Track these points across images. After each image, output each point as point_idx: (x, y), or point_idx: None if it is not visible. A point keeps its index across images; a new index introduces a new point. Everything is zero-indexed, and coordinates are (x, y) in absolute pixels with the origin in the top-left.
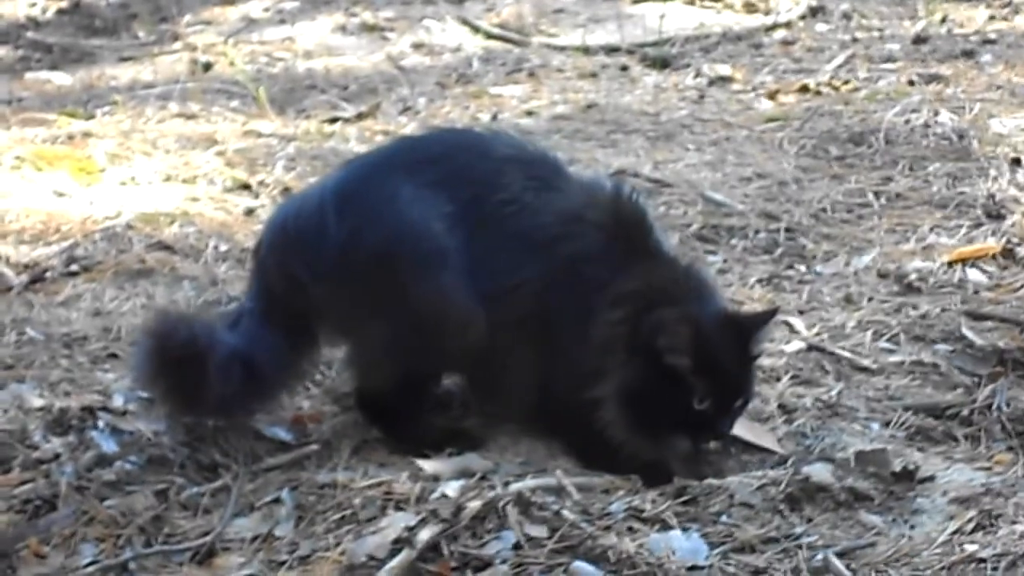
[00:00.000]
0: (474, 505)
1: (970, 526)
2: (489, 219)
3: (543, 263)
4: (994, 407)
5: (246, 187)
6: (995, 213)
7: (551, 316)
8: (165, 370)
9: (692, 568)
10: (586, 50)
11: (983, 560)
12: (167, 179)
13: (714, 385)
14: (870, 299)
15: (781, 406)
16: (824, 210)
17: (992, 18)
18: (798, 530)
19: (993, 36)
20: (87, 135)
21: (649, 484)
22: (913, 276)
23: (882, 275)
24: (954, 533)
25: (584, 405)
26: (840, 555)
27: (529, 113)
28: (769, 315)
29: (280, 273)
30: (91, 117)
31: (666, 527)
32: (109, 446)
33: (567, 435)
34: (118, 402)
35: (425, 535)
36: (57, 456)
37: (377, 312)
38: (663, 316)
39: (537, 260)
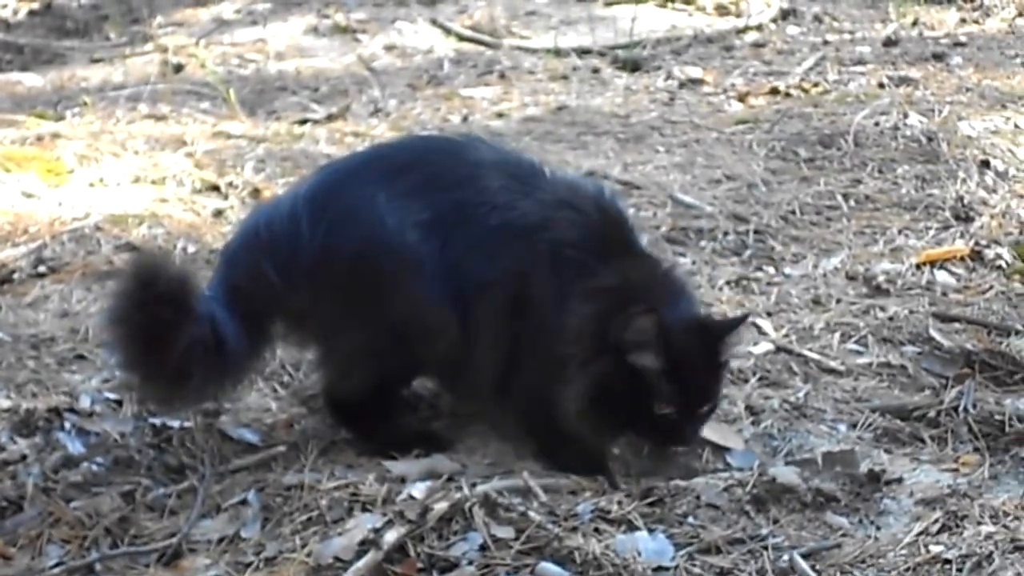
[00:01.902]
0: (441, 506)
1: (936, 527)
2: (466, 221)
3: (522, 251)
4: (961, 409)
5: (215, 188)
6: (963, 215)
7: (527, 303)
8: (141, 308)
9: (658, 569)
10: (557, 52)
11: (948, 561)
12: (136, 180)
13: (679, 390)
14: (838, 301)
15: (748, 407)
16: (793, 212)
17: (963, 21)
18: (764, 531)
19: (963, 39)
20: (56, 136)
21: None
22: (881, 278)
23: (850, 277)
24: (920, 534)
25: (548, 394)
26: (806, 556)
27: (500, 115)
28: (739, 321)
29: (250, 274)
30: (61, 118)
31: (632, 528)
32: (76, 447)
33: (529, 424)
34: (85, 403)
35: (391, 536)
36: (23, 457)
37: (349, 318)
38: (633, 314)
39: (516, 249)
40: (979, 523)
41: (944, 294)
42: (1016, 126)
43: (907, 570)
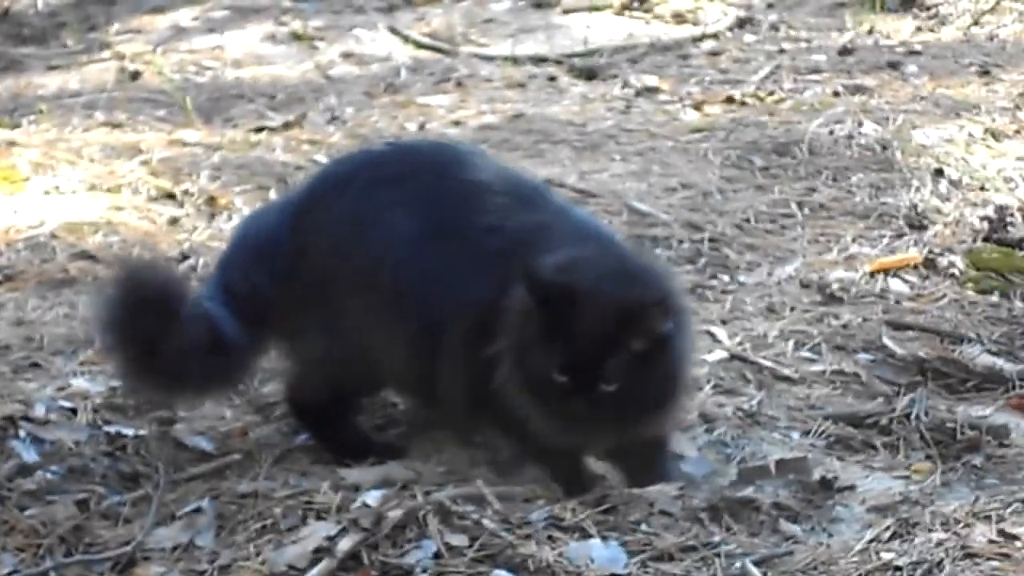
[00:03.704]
0: (395, 514)
1: (887, 534)
2: (450, 240)
3: (501, 273)
4: (913, 416)
5: (171, 196)
6: (917, 224)
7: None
8: (133, 314)
9: None
10: (514, 60)
11: (899, 568)
12: (91, 188)
13: (569, 360)
14: (792, 309)
15: (702, 415)
16: (747, 220)
17: (918, 29)
18: (716, 538)
19: (919, 48)
20: (11, 144)
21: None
22: (835, 286)
23: (804, 285)
24: (871, 541)
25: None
26: (758, 563)
27: (456, 123)
28: (649, 305)
29: (243, 279)
30: (16, 126)
31: (585, 535)
32: (30, 456)
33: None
34: (39, 411)
35: (346, 544)
36: None
37: (316, 326)
38: (529, 268)
39: (496, 271)
40: (930, 530)
41: (897, 302)
42: (970, 135)
43: None
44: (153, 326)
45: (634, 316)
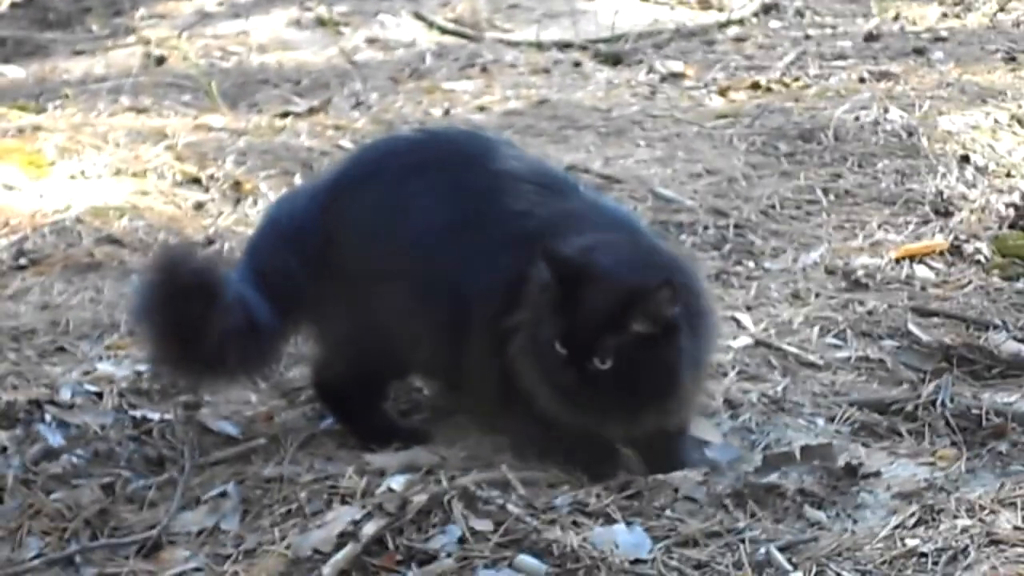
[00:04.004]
0: (420, 499)
1: (912, 520)
2: (479, 228)
3: (523, 259)
4: (938, 403)
5: (196, 181)
6: (943, 210)
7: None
8: (171, 300)
9: (635, 562)
10: (539, 46)
11: (924, 554)
12: (117, 173)
13: (568, 329)
14: (817, 295)
15: (727, 401)
16: (773, 207)
17: (944, 16)
18: (741, 524)
19: (944, 34)
20: (37, 129)
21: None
22: (860, 272)
23: (830, 271)
24: (896, 527)
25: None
26: (782, 549)
27: (481, 109)
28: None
29: (272, 261)
30: (42, 111)
31: (610, 521)
32: (56, 440)
33: (523, 423)
34: (65, 396)
35: (370, 529)
36: (4, 449)
37: (344, 310)
38: (548, 246)
39: (518, 257)
40: (955, 516)
41: (923, 288)
42: (996, 121)
43: (883, 563)
44: (192, 311)
45: (637, 297)
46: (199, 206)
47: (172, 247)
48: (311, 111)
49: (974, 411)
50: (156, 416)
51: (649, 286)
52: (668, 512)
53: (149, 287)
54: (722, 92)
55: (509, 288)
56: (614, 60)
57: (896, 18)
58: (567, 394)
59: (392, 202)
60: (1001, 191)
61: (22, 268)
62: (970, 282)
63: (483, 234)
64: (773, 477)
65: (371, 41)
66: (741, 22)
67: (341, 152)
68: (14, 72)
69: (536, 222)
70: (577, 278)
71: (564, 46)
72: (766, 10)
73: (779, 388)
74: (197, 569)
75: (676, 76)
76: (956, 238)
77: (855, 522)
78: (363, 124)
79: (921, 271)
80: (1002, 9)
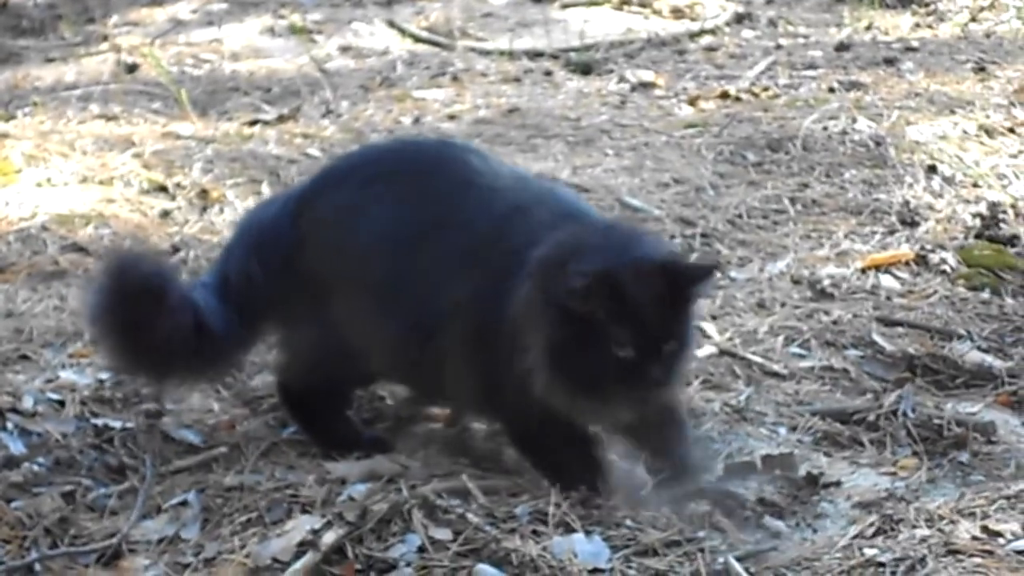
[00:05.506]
0: (380, 508)
1: (871, 530)
2: (444, 236)
3: (487, 265)
4: (900, 413)
5: (163, 189)
6: (909, 220)
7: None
8: (120, 303)
9: (594, 571)
10: (511, 54)
11: (882, 564)
12: (83, 180)
13: (634, 330)
14: (783, 305)
15: (690, 410)
16: (740, 216)
17: (916, 26)
18: (700, 534)
19: (916, 44)
20: (5, 136)
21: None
22: (826, 282)
23: (796, 281)
24: (855, 537)
25: (520, 382)
26: (741, 559)
27: (451, 117)
28: (707, 267)
29: (240, 269)
30: (11, 118)
31: (569, 530)
32: (17, 447)
33: (514, 429)
34: (27, 404)
35: (330, 538)
36: None
37: (310, 317)
38: (566, 269)
39: (482, 265)
40: (914, 526)
41: (888, 298)
42: (964, 131)
43: (841, 573)
44: (139, 312)
45: (691, 275)
46: (165, 214)
47: (122, 252)
48: (281, 119)
49: (936, 421)
50: (118, 424)
51: (688, 264)
52: (628, 521)
53: (99, 291)
54: (692, 101)
55: (480, 302)
56: (585, 69)
57: (868, 28)
58: (631, 391)
59: (355, 209)
60: (968, 201)
61: None
62: (935, 292)
63: (447, 241)
64: (734, 486)
65: (344, 49)
66: (714, 31)
67: (309, 160)
68: None
69: (483, 225)
70: (608, 288)
71: (535, 55)
72: (739, 20)
73: (742, 397)
74: None
75: (646, 85)
76: (922, 248)
77: (815, 532)
78: (332, 132)
79: (887, 281)
80: (973, 19)
